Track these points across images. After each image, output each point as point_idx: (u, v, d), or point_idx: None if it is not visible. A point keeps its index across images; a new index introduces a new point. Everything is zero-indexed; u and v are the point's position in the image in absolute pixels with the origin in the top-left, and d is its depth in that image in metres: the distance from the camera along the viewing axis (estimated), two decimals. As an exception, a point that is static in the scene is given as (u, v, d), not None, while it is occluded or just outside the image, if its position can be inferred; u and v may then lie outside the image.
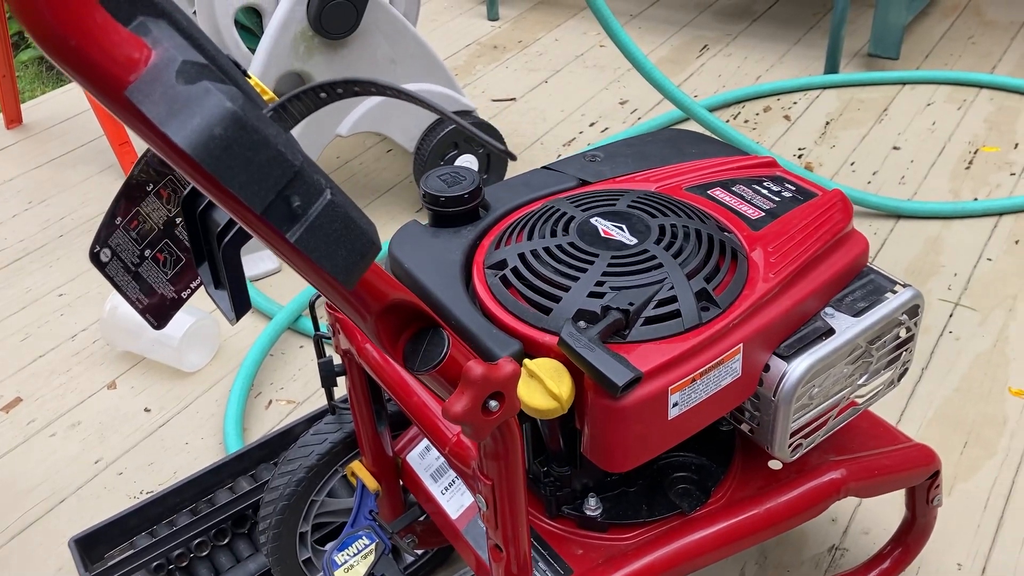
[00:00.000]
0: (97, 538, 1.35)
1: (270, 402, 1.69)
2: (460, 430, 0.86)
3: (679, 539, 1.00)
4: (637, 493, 1.03)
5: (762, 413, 0.96)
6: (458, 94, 2.05)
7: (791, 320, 0.94)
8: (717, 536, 1.01)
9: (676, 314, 0.87)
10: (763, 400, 0.95)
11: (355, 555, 1.08)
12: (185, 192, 0.75)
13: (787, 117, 2.44)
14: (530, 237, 0.96)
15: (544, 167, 1.14)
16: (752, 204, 1.04)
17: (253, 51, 1.89)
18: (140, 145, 2.45)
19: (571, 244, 0.93)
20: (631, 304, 0.86)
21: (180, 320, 1.71)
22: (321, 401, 1.67)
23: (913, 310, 1.00)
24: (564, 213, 0.98)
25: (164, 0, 0.54)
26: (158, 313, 0.91)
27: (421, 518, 1.16)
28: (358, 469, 1.13)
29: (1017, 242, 1.91)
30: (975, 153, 2.21)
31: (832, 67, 2.57)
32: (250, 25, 1.95)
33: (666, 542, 0.99)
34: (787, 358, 0.93)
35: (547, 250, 0.93)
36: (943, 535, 1.32)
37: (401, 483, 1.16)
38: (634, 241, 0.93)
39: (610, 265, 0.90)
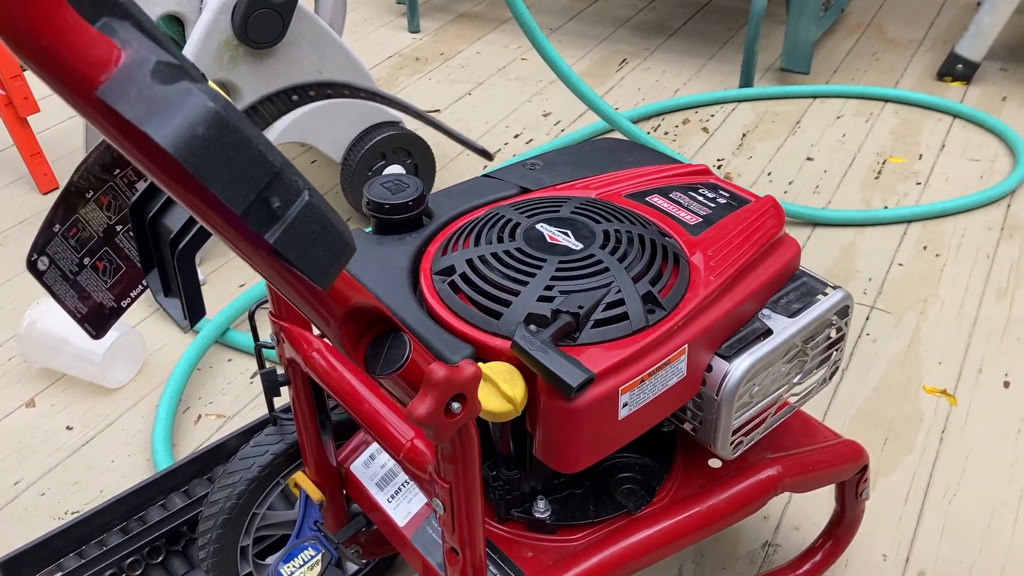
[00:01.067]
0: (22, 561, 1.30)
1: (199, 417, 1.65)
2: (413, 436, 0.86)
3: (627, 538, 1.02)
4: (584, 494, 1.05)
5: (705, 412, 0.99)
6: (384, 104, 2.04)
7: (731, 321, 0.97)
8: (663, 534, 1.03)
9: (624, 316, 0.89)
10: (706, 399, 0.98)
11: (301, 566, 1.07)
12: (133, 199, 0.74)
13: (705, 129, 2.50)
14: (477, 243, 0.97)
15: (484, 175, 1.15)
16: (689, 210, 1.07)
17: (176, 60, 1.85)
18: (53, 156, 2.37)
19: (518, 249, 0.94)
20: (580, 307, 0.88)
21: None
22: (251, 415, 1.65)
23: (843, 311, 1.05)
24: (509, 219, 0.99)
25: (127, 1, 0.54)
26: (97, 322, 0.89)
27: (365, 528, 1.16)
28: (301, 480, 1.12)
29: (925, 248, 2.01)
30: (883, 163, 2.31)
31: (747, 81, 2.66)
32: (172, 34, 1.91)
33: (614, 541, 1.01)
34: (728, 358, 0.96)
35: (495, 255, 0.94)
36: (868, 527, 1.38)
37: (344, 493, 1.15)
38: (580, 246, 0.95)
39: (558, 270, 0.91)
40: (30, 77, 2.33)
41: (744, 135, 2.47)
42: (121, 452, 1.58)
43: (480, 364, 0.83)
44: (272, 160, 0.46)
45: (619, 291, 0.90)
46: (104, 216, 0.86)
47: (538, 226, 0.98)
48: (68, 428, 1.63)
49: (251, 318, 1.10)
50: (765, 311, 1.01)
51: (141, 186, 0.88)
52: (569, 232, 0.97)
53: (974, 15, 2.68)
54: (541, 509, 1.01)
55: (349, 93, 0.50)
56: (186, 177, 0.45)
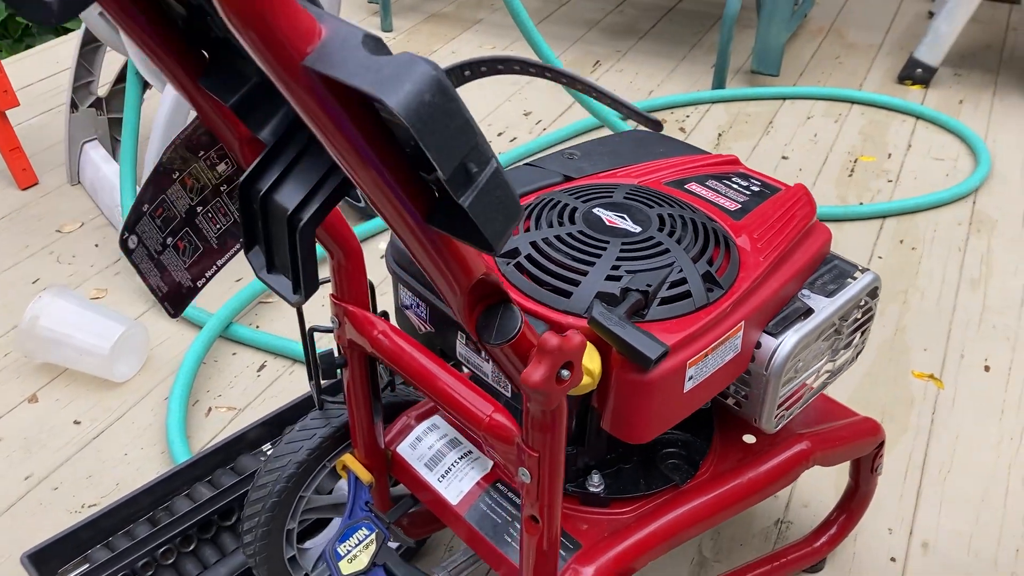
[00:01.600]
0: (50, 553, 1.29)
1: (209, 409, 1.65)
2: (493, 410, 0.89)
3: (675, 509, 1.06)
4: (633, 469, 1.09)
5: (752, 387, 1.04)
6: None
7: (778, 301, 1.03)
8: (708, 505, 1.08)
9: (687, 295, 0.94)
10: (754, 375, 1.03)
11: (357, 545, 1.09)
12: (243, 177, 0.76)
13: (682, 129, 2.58)
14: (538, 226, 1.00)
15: (527, 163, 1.18)
16: (727, 197, 1.12)
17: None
18: (32, 150, 2.33)
19: (581, 232, 0.98)
20: (649, 285, 0.92)
21: (110, 327, 1.65)
22: (262, 407, 1.65)
23: (873, 291, 1.11)
24: (567, 204, 1.03)
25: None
26: (175, 301, 0.90)
27: (414, 508, 1.18)
28: (350, 462, 1.14)
29: (902, 241, 2.10)
30: (855, 162, 2.41)
31: (720, 83, 2.74)
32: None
33: (663, 513, 1.06)
34: (776, 335, 1.01)
35: (558, 238, 0.98)
36: (872, 504, 1.45)
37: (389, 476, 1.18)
38: (639, 229, 0.99)
39: (622, 250, 0.96)
40: (10, 69, 2.29)
41: (720, 135, 2.55)
42: (133, 445, 1.57)
43: (559, 339, 0.87)
44: (475, 127, 0.49)
45: (681, 271, 0.95)
46: (187, 197, 0.88)
47: (595, 210, 1.02)
48: (76, 423, 1.62)
49: (299, 309, 1.12)
50: (804, 292, 1.07)
51: (223, 168, 0.90)
52: (626, 216, 1.01)
53: (929, 23, 2.81)
54: (595, 483, 1.05)
55: (519, 68, 0.54)
56: (366, 147, 0.48)
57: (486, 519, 1.07)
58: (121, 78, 2.17)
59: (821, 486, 1.49)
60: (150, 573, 1.29)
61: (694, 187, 1.14)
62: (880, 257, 2.05)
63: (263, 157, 0.75)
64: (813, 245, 1.09)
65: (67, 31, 3.26)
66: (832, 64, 2.94)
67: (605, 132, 2.40)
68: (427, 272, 0.67)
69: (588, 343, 0.88)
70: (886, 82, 2.82)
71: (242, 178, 0.75)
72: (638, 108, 0.59)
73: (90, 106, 2.20)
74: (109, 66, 2.25)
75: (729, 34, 2.67)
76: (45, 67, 2.84)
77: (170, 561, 1.30)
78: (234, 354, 1.78)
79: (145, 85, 1.88)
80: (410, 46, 3.03)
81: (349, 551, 1.08)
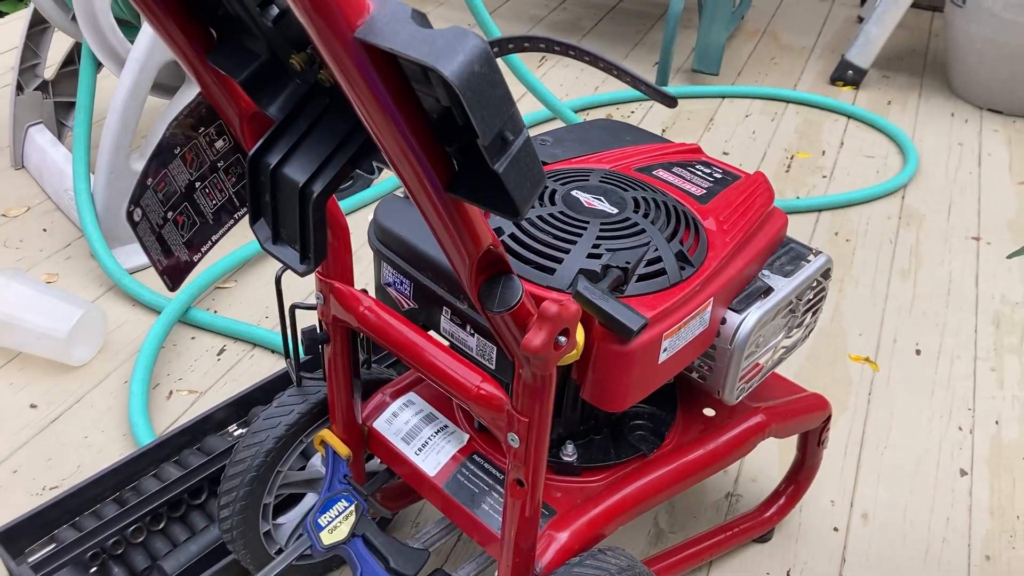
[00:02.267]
0: (17, 532, 1.29)
1: (171, 393, 1.65)
2: (481, 380, 0.94)
3: (642, 478, 1.12)
4: (603, 440, 1.15)
5: (716, 360, 1.11)
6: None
7: (742, 280, 1.10)
8: (673, 473, 1.14)
9: (662, 272, 1.00)
10: (719, 349, 1.09)
11: (337, 516, 1.12)
12: (252, 150, 0.79)
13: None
14: (518, 207, 1.05)
15: (500, 149, 1.23)
16: (693, 183, 1.18)
17: (132, 42, 1.84)
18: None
19: (562, 213, 1.03)
20: (628, 263, 0.97)
21: (67, 311, 1.64)
22: (224, 390, 1.66)
23: (826, 272, 1.19)
24: (547, 187, 1.08)
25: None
26: (174, 275, 0.92)
27: (389, 481, 1.22)
28: (328, 437, 1.17)
29: (836, 233, 2.21)
30: (792, 158, 2.52)
31: (663, 81, 2.82)
32: (128, 18, 1.89)
33: (632, 480, 1.11)
34: (740, 311, 1.08)
35: (540, 218, 1.03)
36: (815, 479, 1.53)
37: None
38: (615, 211, 1.04)
39: (601, 230, 1.01)
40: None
41: (664, 130, 2.63)
42: (94, 428, 1.57)
43: (545, 312, 0.91)
44: (512, 98, 0.53)
45: (656, 250, 1.01)
46: (187, 172, 0.90)
47: (573, 192, 1.07)
48: (32, 406, 1.60)
49: (277, 283, 1.14)
50: (764, 272, 1.14)
51: (220, 144, 0.92)
52: (603, 198, 1.06)
53: (858, 27, 2.94)
54: (569, 453, 1.10)
55: (545, 46, 0.58)
56: (399, 117, 0.53)
57: (463, 489, 1.11)
58: (69, 61, 2.14)
59: (768, 462, 1.57)
60: (119, 552, 1.30)
61: (662, 173, 1.20)
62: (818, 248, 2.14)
63: (272, 132, 0.79)
64: (772, 229, 1.16)
65: (2, 14, 3.18)
66: (768, 64, 3.05)
67: (559, 124, 2.46)
68: (440, 240, 0.71)
69: (572, 316, 0.93)
70: (819, 83, 2.94)
71: (252, 151, 0.78)
72: (656, 86, 0.64)
73: (36, 89, 2.16)
74: (56, 48, 2.21)
75: (673, 33, 2.75)
76: (-19, 49, 2.77)
77: (139, 540, 1.31)
78: (193, 338, 1.78)
79: (98, 67, 1.87)
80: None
81: (330, 522, 1.12)
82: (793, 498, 1.43)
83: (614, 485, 1.11)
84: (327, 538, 1.11)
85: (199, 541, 1.33)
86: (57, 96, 2.17)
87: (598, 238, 1.00)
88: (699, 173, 1.21)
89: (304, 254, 0.78)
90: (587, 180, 1.10)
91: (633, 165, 1.20)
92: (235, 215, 1.08)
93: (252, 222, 0.81)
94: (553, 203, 1.05)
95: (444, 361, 0.97)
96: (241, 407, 1.50)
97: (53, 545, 1.28)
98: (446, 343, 1.02)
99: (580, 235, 1.00)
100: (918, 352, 1.85)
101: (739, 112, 2.74)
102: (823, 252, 1.18)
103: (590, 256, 0.98)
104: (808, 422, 1.32)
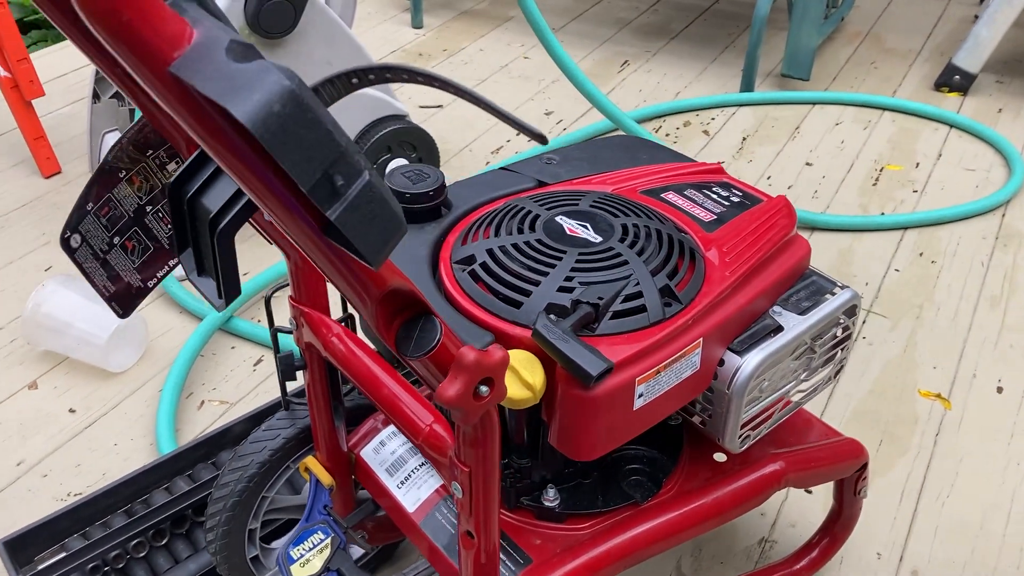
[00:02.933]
0: (26, 540, 1.30)
1: (202, 403, 1.66)
2: (432, 420, 0.88)
3: (633, 528, 1.03)
4: (592, 484, 1.07)
5: (715, 406, 1.01)
6: (392, 98, 2.06)
7: (744, 317, 0.99)
8: (668, 525, 1.05)
9: (642, 309, 0.91)
10: (717, 393, 1.00)
11: (311, 549, 1.08)
12: (172, 178, 0.75)
13: (706, 132, 2.53)
14: (497, 233, 0.98)
15: (502, 167, 1.16)
16: (704, 207, 1.09)
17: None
18: (56, 139, 2.37)
19: (539, 241, 0.96)
20: (600, 298, 0.89)
21: (108, 318, 1.67)
22: (255, 402, 1.66)
23: (851, 310, 1.07)
24: (529, 211, 1.01)
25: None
26: (124, 302, 0.90)
27: (374, 513, 1.17)
28: (312, 464, 1.13)
29: (921, 254, 2.03)
30: (881, 171, 2.34)
31: (748, 86, 2.68)
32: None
33: (620, 531, 1.03)
34: (740, 353, 0.98)
35: (515, 246, 0.96)
36: (862, 527, 1.40)
37: (353, 479, 1.17)
38: (599, 239, 0.96)
39: (578, 261, 0.93)
40: (36, 60, 2.33)
41: (744, 139, 2.50)
42: (124, 436, 1.59)
43: (501, 351, 0.85)
44: (339, 139, 0.47)
45: (637, 283, 0.92)
46: (135, 196, 0.88)
47: (557, 218, 0.99)
48: (71, 411, 1.64)
49: (267, 303, 1.11)
50: (776, 308, 1.03)
51: (172, 167, 0.89)
52: (588, 225, 0.98)
53: (971, 28, 2.72)
54: (551, 498, 1.03)
55: (408, 77, 0.52)
56: (251, 155, 0.47)
57: (441, 529, 1.05)
58: (140, 70, 2.19)
59: (810, 506, 1.45)
60: (121, 566, 1.30)
61: (671, 196, 1.10)
62: (897, 270, 1.98)
63: (193, 159, 0.75)
64: (789, 260, 1.05)
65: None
66: (866, 69, 2.86)
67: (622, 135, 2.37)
68: (334, 283, 0.65)
69: (529, 355, 0.86)
70: (921, 89, 2.73)
71: (172, 179, 0.75)
72: (524, 123, 0.57)
73: (111, 97, 2.22)
74: (131, 58, 2.27)
75: (758, 36, 2.61)
76: (75, 59, 2.89)
77: (142, 554, 1.31)
78: (233, 348, 1.78)
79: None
80: (438, 43, 3.03)
81: (302, 555, 1.08)
82: (827, 551, 1.31)
83: (601, 535, 1.03)
84: (298, 572, 1.07)
85: (199, 560, 1.31)
86: (131, 104, 2.23)
87: (572, 269, 0.92)
88: (714, 197, 1.11)
89: (219, 288, 0.74)
90: (576, 204, 1.02)
91: (641, 187, 1.12)
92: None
93: (179, 252, 0.78)
94: (533, 230, 0.98)
95: (400, 396, 0.92)
96: (259, 422, 1.48)
97: (61, 555, 1.29)
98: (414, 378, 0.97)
99: (554, 266, 0.93)
100: (999, 390, 1.68)
101: (829, 120, 2.58)
102: (849, 287, 1.07)
103: (561, 289, 0.91)
104: (837, 471, 1.20)
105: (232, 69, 0.45)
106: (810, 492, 1.47)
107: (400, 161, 2.06)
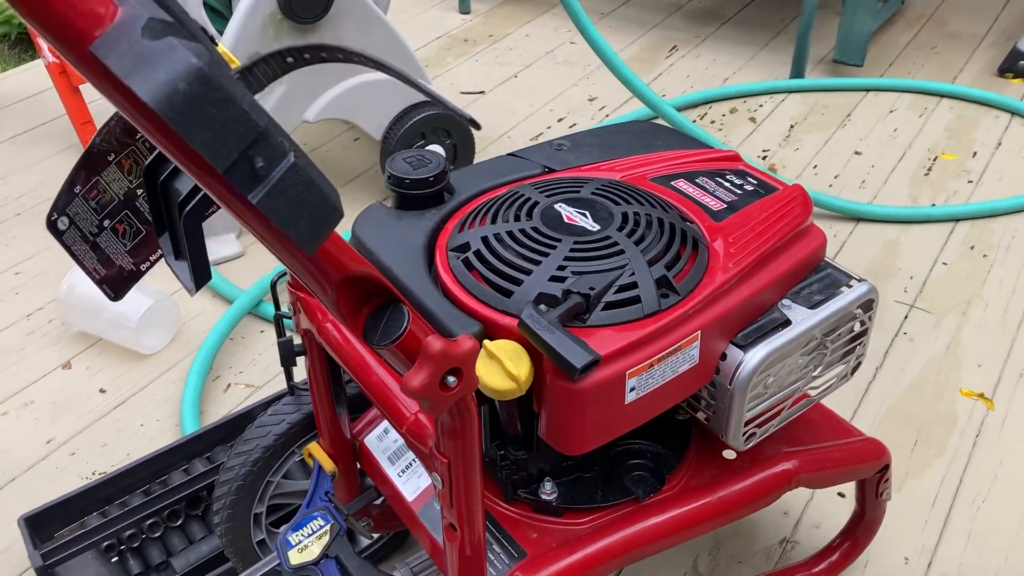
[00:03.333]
0: (47, 517, 1.33)
1: (228, 386, 1.67)
2: (418, 409, 0.86)
3: (633, 525, 1.01)
4: (592, 479, 1.04)
5: (718, 401, 0.97)
6: (427, 83, 2.04)
7: (749, 310, 0.96)
8: (670, 523, 1.02)
9: (636, 300, 0.88)
10: (719, 388, 0.96)
11: (310, 535, 1.08)
12: (147, 161, 0.74)
13: (753, 119, 2.46)
14: (494, 221, 0.96)
15: (510, 154, 1.14)
16: (714, 196, 1.05)
17: (221, 33, 1.87)
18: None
19: (534, 228, 0.93)
20: (591, 289, 0.87)
21: (139, 301, 1.69)
22: (281, 385, 1.66)
23: (868, 304, 1.02)
24: (528, 198, 0.98)
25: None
26: (115, 285, 0.90)
27: (377, 501, 1.16)
28: (315, 450, 1.13)
29: (972, 247, 1.95)
30: (935, 160, 2.25)
31: (798, 72, 2.61)
32: (219, 7, 1.93)
33: (620, 527, 1.00)
34: (744, 347, 0.94)
35: (510, 234, 0.93)
36: (891, 529, 1.35)
37: (358, 466, 1.16)
38: (597, 228, 0.93)
39: (572, 250, 0.90)
40: (83, 47, 2.37)
41: (792, 126, 2.42)
42: (151, 417, 1.61)
43: (487, 342, 0.83)
44: (257, 119, 0.46)
45: (632, 274, 0.89)
46: (125, 180, 0.88)
47: (556, 206, 0.97)
48: (101, 391, 1.67)
49: (273, 288, 1.11)
50: (785, 301, 0.99)
51: (160, 151, 0.89)
52: (587, 213, 0.96)
53: (1040, 10, 2.59)
54: (548, 491, 1.01)
55: (343, 57, 0.50)
56: (171, 133, 0.45)
57: (439, 519, 1.04)
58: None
59: (836, 506, 1.40)
60: (136, 545, 1.32)
61: (681, 184, 1.07)
62: (945, 263, 1.90)
63: (168, 141, 0.74)
64: (802, 250, 1.01)
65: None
66: (926, 55, 2.75)
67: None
68: (291, 269, 0.64)
69: (516, 345, 0.83)
70: (983, 75, 2.62)
71: (147, 162, 0.74)
72: (454, 107, 0.55)
73: (155, 83, 2.26)
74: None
75: (810, 20, 2.53)
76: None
77: (157, 534, 1.33)
78: (261, 332, 1.80)
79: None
80: (485, 28, 3.00)
81: (301, 540, 1.07)
82: (849, 555, 1.26)
83: (599, 531, 1.00)
84: (295, 557, 1.06)
85: (211, 542, 1.33)
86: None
87: (566, 259, 0.89)
88: (727, 184, 1.07)
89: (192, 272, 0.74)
90: (578, 192, 0.99)
91: (650, 174, 1.08)
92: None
93: (158, 235, 0.78)
94: (530, 217, 0.95)
95: (388, 384, 0.90)
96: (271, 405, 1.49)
97: (79, 531, 1.31)
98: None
99: (547, 255, 0.90)
100: (1047, 391, 1.60)
101: (883, 107, 2.48)
102: (866, 280, 1.02)
103: (553, 279, 0.88)
104: (856, 472, 1.16)
105: (142, 47, 0.44)
106: (843, 496, 1.42)
107: (435, 148, 2.05)
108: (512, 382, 0.82)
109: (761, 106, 2.53)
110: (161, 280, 1.87)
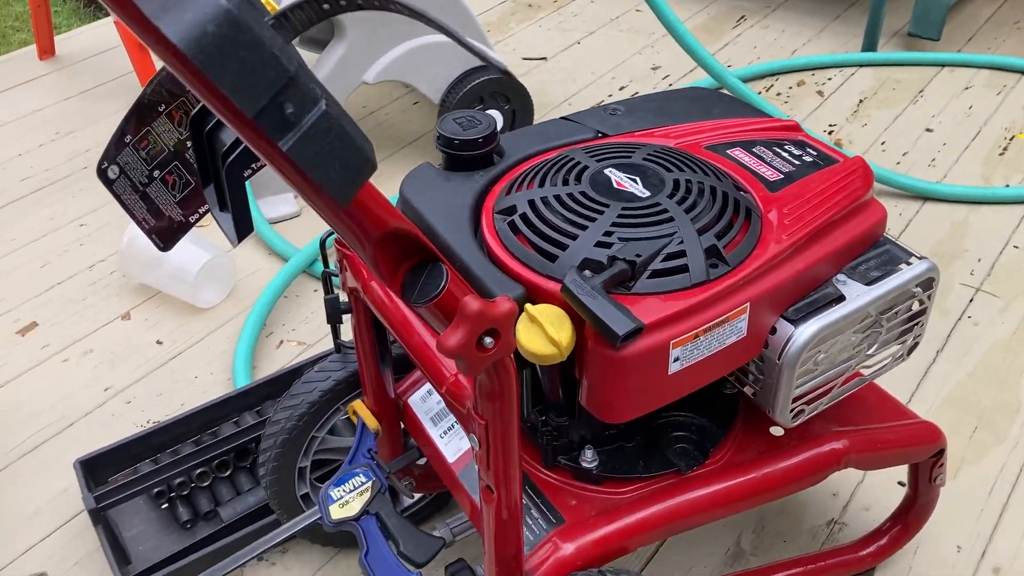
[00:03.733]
0: (101, 461, 1.37)
1: (281, 342, 1.69)
2: (457, 370, 0.86)
3: (674, 497, 0.99)
4: (634, 449, 1.03)
5: (766, 376, 0.95)
6: (488, 49, 2.03)
7: (801, 284, 0.93)
8: (712, 497, 1.00)
9: (684, 269, 0.86)
10: (767, 363, 0.94)
11: (351, 491, 1.09)
12: (193, 112, 0.75)
13: (820, 92, 2.39)
14: (542, 184, 0.95)
15: (563, 117, 1.12)
16: (771, 166, 1.02)
17: (284, -9, 1.88)
18: (169, 82, 2.44)
19: (582, 193, 0.92)
20: (638, 256, 0.85)
21: (196, 256, 1.72)
22: (330, 345, 1.68)
23: (927, 283, 0.99)
24: (578, 163, 0.97)
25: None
26: (165, 235, 0.91)
27: (419, 461, 1.17)
28: (359, 408, 1.14)
29: (1046, 231, 1.88)
30: (1011, 139, 2.17)
31: (870, 45, 2.52)
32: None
33: (661, 499, 0.99)
34: (794, 322, 0.92)
35: (557, 198, 0.92)
36: (945, 516, 1.31)
37: (402, 426, 1.17)
38: (647, 194, 0.92)
39: (620, 216, 0.89)
40: None
41: (861, 101, 2.35)
42: (205, 369, 1.64)
43: (528, 306, 0.82)
44: (287, 64, 0.45)
45: (681, 242, 0.87)
46: (175, 131, 0.88)
47: (606, 171, 0.95)
48: (158, 343, 1.70)
49: (322, 246, 1.12)
50: (840, 276, 0.96)
51: (212, 103, 0.89)
52: (638, 179, 0.94)
53: None
54: (588, 459, 1.00)
55: (379, 5, 0.49)
56: (202, 75, 0.45)
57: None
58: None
59: (888, 489, 1.36)
60: (185, 493, 1.34)
61: (737, 153, 1.04)
62: (1016, 247, 1.83)
63: (216, 92, 0.74)
64: (860, 225, 0.98)
65: None
66: (1008, 30, 2.64)
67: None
68: (329, 223, 0.64)
69: (558, 310, 0.82)
70: (1069, 51, 2.50)
71: (193, 112, 0.74)
72: (485, 53, 0.53)
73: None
74: None
75: (886, -9, 2.44)
76: None
77: (206, 483, 1.35)
78: (315, 291, 1.82)
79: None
80: (550, -6, 2.97)
81: (342, 496, 1.09)
82: (898, 539, 1.23)
83: (639, 501, 0.99)
84: (336, 512, 1.08)
85: (258, 493, 1.35)
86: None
87: (613, 224, 0.88)
88: (785, 155, 1.04)
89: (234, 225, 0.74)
90: (629, 157, 0.97)
91: (705, 142, 1.06)
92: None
93: (204, 187, 0.78)
94: (579, 181, 0.94)
95: (430, 344, 0.90)
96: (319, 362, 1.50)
97: (131, 477, 1.34)
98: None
99: (594, 220, 0.89)
100: (1118, 382, 1.53)
101: (958, 84, 2.39)
102: (926, 258, 0.98)
103: (599, 244, 0.87)
104: (909, 455, 1.12)
105: (175, -11, 0.44)
106: (902, 485, 1.38)
107: (494, 113, 2.03)
108: (553, 347, 0.81)
109: (830, 79, 2.46)
110: (220, 236, 1.90)
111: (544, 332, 0.81)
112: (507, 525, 0.87)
